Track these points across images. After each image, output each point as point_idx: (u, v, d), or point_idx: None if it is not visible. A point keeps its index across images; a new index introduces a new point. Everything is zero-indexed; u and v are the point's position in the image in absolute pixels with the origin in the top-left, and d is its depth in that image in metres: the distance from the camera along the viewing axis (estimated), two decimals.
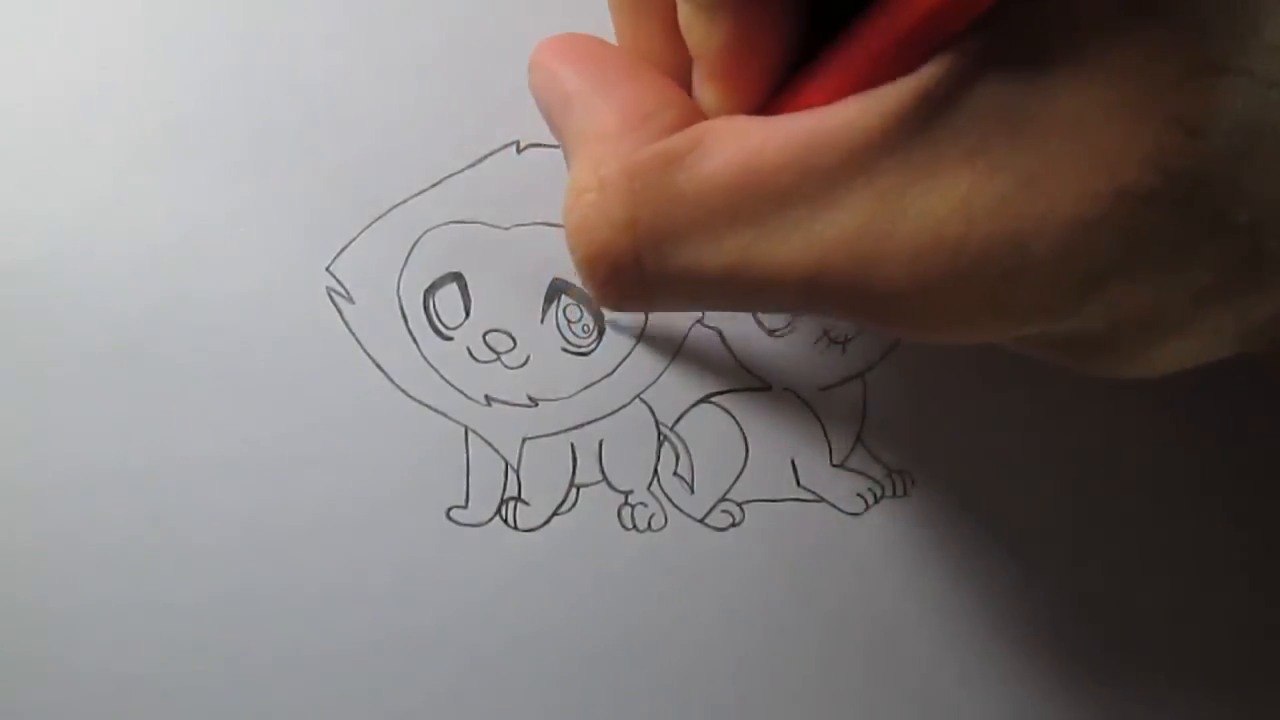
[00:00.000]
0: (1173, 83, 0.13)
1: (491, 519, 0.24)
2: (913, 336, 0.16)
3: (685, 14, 0.16)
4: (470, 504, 0.24)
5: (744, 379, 0.24)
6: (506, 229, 0.23)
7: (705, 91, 0.17)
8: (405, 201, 0.23)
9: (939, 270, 0.14)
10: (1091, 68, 0.13)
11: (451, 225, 0.23)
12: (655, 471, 0.24)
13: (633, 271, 0.16)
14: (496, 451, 0.24)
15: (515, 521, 0.24)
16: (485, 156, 0.23)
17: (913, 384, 0.24)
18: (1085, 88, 0.13)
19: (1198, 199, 0.13)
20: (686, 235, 0.16)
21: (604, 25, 0.19)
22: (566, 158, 0.18)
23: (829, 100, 0.15)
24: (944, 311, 0.15)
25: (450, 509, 0.24)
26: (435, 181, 0.23)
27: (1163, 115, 0.13)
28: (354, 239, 0.23)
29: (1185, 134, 0.13)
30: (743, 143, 0.15)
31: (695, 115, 0.17)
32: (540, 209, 0.23)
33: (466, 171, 0.23)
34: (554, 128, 0.19)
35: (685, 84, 0.18)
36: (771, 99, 0.17)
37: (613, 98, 0.17)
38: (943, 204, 0.14)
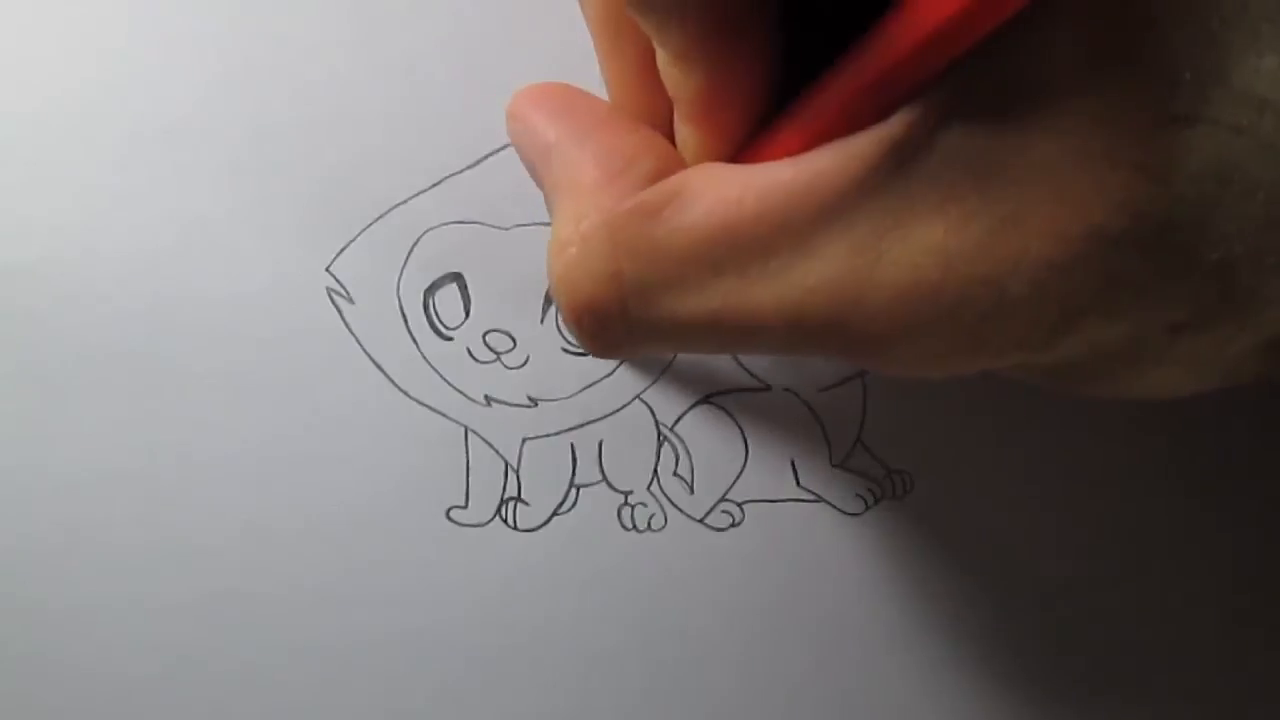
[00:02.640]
0: (1140, 132, 0.13)
1: (491, 519, 0.24)
2: (895, 374, 0.16)
3: (662, 60, 0.17)
4: (470, 504, 0.24)
5: (744, 379, 0.24)
6: (506, 229, 0.23)
7: (684, 133, 0.17)
8: (405, 201, 0.23)
9: (917, 314, 0.14)
10: (1060, 116, 0.13)
11: (451, 225, 0.23)
12: (655, 471, 0.24)
13: (618, 322, 0.16)
14: (496, 452, 0.24)
15: (515, 522, 0.24)
16: (485, 156, 0.23)
17: (913, 384, 0.24)
18: (1054, 135, 0.13)
19: (1168, 240, 0.13)
20: (669, 286, 0.16)
21: None
22: (548, 208, 0.18)
23: (805, 145, 0.15)
24: (924, 351, 0.15)
25: (450, 509, 0.24)
26: (435, 181, 0.23)
27: (1130, 163, 0.13)
28: (354, 239, 0.23)
29: (1152, 181, 0.13)
30: (720, 194, 0.15)
31: (674, 162, 0.17)
32: (540, 209, 0.23)
33: (466, 171, 0.23)
34: (535, 178, 0.19)
35: (669, 126, 0.18)
36: (751, 141, 0.17)
37: (590, 148, 0.17)
38: (919, 250, 0.14)
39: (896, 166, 0.14)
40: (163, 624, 0.23)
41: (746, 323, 0.16)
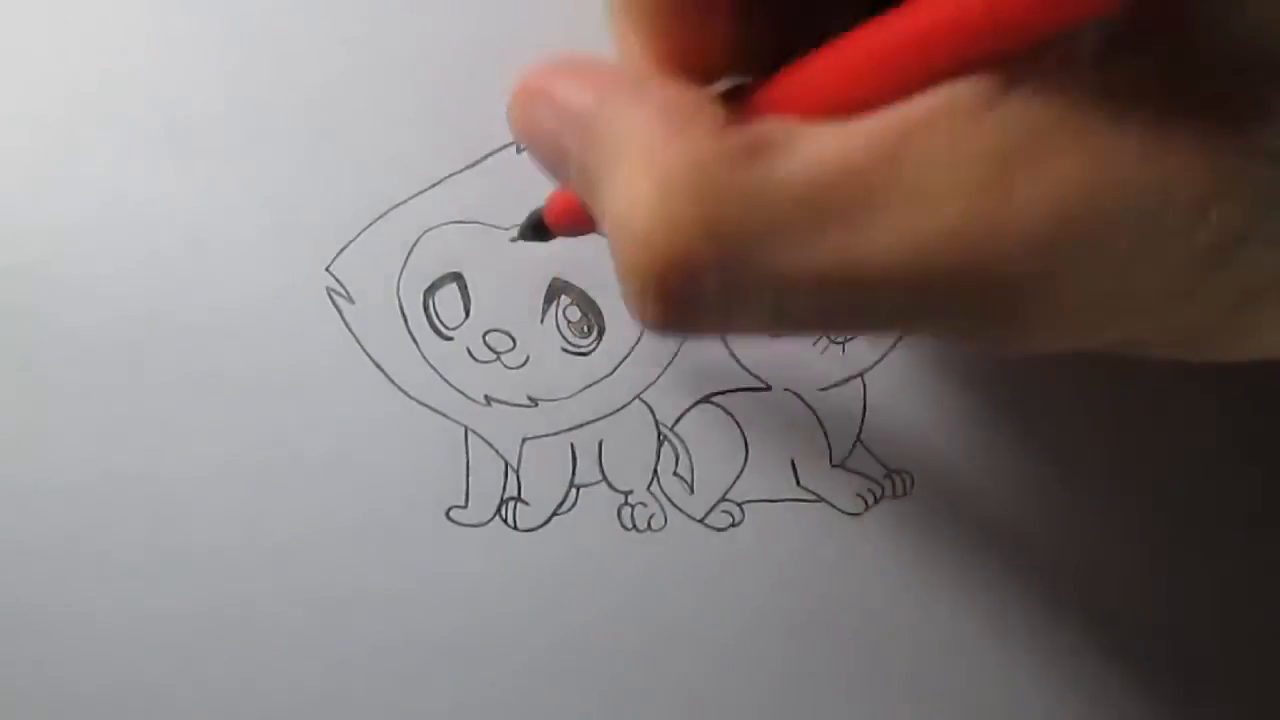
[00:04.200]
0: None
1: (491, 519, 0.24)
2: (1029, 342, 0.15)
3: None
4: (470, 504, 0.24)
5: (744, 379, 0.24)
6: (506, 229, 0.23)
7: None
8: (405, 201, 0.23)
9: (1060, 250, 0.13)
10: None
11: (451, 225, 0.23)
12: (655, 471, 0.24)
13: (714, 277, 0.14)
14: (496, 451, 0.24)
15: (515, 521, 0.24)
16: (485, 156, 0.23)
17: (913, 384, 0.24)
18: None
19: None
20: (772, 238, 0.14)
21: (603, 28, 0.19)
22: (588, 191, 0.16)
23: (890, 83, 0.14)
24: (1068, 301, 0.14)
25: (450, 509, 0.24)
26: (435, 181, 0.23)
27: None
28: (354, 239, 0.23)
29: None
30: (823, 138, 0.14)
31: (743, 113, 0.15)
32: None
33: (466, 171, 0.23)
34: (561, 161, 0.16)
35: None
36: (783, 79, 0.15)
37: (649, 103, 0.15)
38: (1055, 182, 0.13)
39: (1023, 100, 0.13)
40: (161, 625, 0.23)
41: (865, 282, 0.14)
